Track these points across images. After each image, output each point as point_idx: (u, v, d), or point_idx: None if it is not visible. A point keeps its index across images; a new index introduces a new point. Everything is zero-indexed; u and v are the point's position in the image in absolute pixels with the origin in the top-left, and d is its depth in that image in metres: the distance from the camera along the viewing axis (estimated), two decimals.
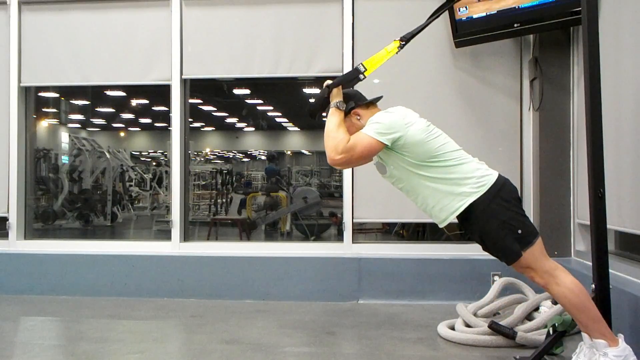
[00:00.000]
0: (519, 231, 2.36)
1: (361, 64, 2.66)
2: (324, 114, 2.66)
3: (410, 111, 2.52)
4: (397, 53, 2.75)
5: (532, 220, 4.05)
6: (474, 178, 2.41)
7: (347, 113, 2.57)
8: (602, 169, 2.44)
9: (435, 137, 2.45)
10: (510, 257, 2.39)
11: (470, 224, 2.45)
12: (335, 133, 2.45)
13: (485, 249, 2.51)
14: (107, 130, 21.53)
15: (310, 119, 2.73)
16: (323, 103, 2.60)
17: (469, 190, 2.39)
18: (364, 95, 2.64)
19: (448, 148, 2.46)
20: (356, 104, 2.58)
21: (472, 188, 2.39)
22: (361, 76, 2.64)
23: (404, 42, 2.76)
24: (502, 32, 3.75)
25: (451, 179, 2.41)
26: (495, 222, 2.37)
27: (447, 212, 2.45)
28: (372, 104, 2.63)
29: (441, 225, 2.53)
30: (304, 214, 8.00)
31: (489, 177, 2.43)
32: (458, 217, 2.46)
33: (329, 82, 2.60)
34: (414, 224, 6.52)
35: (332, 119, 2.50)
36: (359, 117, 2.56)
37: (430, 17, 3.05)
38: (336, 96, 2.55)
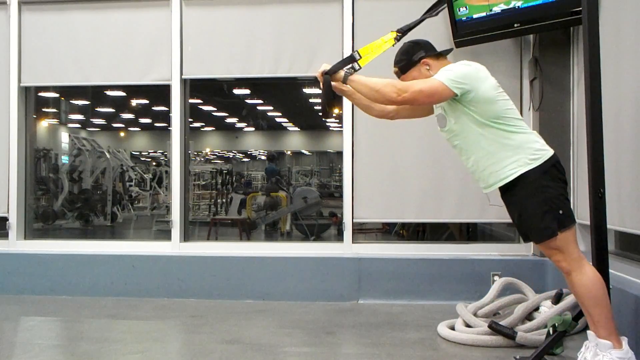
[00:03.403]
0: (560, 211, 2.35)
1: (356, 51, 2.65)
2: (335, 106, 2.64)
3: (484, 68, 2.50)
4: (393, 45, 2.73)
5: None
6: (531, 149, 2.40)
7: (416, 62, 2.56)
8: (602, 169, 2.44)
9: (504, 98, 2.45)
10: (545, 234, 2.36)
11: (514, 195, 2.43)
12: (380, 83, 2.42)
13: (518, 224, 2.49)
14: (107, 130, 21.54)
15: (326, 117, 2.72)
16: (332, 94, 2.59)
17: (523, 160, 2.38)
18: (434, 46, 2.62)
19: (513, 114, 2.45)
20: (426, 53, 2.56)
21: (526, 159, 2.38)
22: (356, 65, 2.62)
23: (400, 34, 2.75)
24: (502, 32, 3.75)
25: (509, 145, 2.40)
26: (540, 197, 2.36)
27: (497, 178, 2.43)
28: (442, 55, 2.61)
29: (486, 191, 2.52)
30: (304, 214, 8.00)
31: (545, 152, 2.42)
32: (502, 186, 2.44)
33: (325, 65, 2.59)
34: (414, 224, 6.53)
35: (360, 80, 2.48)
36: (428, 67, 2.54)
37: (428, 11, 3.04)
38: (339, 78, 2.54)
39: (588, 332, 2.37)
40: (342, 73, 2.56)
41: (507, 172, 2.40)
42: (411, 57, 2.60)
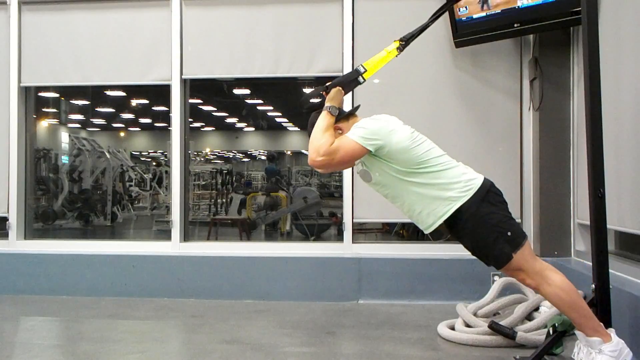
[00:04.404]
0: (509, 233, 2.36)
1: (361, 65, 2.66)
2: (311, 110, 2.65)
3: (395, 118, 2.51)
4: (397, 56, 2.75)
5: (531, 221, 4.07)
6: (461, 182, 2.41)
7: None
8: (602, 169, 2.44)
9: (419, 143, 2.44)
10: (501, 259, 2.38)
11: (459, 229, 2.44)
12: (320, 135, 2.43)
13: (474, 253, 2.51)
14: (107, 130, 21.54)
15: (300, 109, 2.73)
16: (315, 98, 2.60)
17: (456, 194, 2.39)
18: (342, 109, 2.61)
19: (433, 154, 2.45)
20: (336, 120, 2.55)
21: (459, 192, 2.39)
22: (360, 78, 2.63)
23: (403, 43, 2.76)
24: (502, 32, 3.75)
25: (438, 184, 2.41)
26: (484, 225, 2.38)
27: (435, 217, 2.44)
28: (351, 114, 2.62)
29: (427, 232, 2.52)
30: (304, 214, 8.00)
31: (475, 180, 2.43)
32: (445, 222, 2.44)
33: (328, 83, 2.61)
34: (414, 224, 6.52)
35: (322, 121, 2.48)
36: (340, 132, 2.53)
37: (430, 19, 3.05)
38: (333, 99, 2.55)
39: (576, 332, 2.39)
40: (331, 103, 2.52)
41: (443, 210, 2.40)
42: None
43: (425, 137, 2.50)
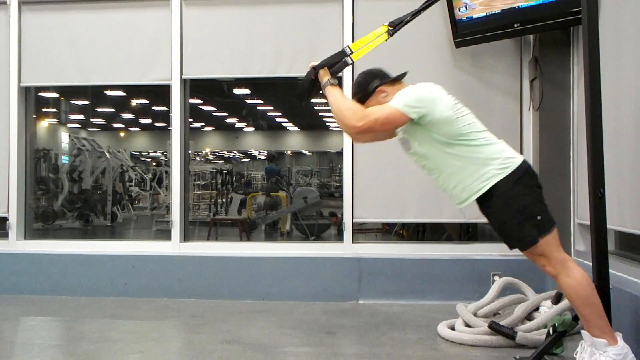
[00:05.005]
0: (539, 217, 2.35)
1: (348, 46, 2.64)
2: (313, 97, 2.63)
3: (439, 87, 2.49)
4: (386, 40, 2.71)
5: None
6: (500, 159, 2.39)
7: (372, 92, 2.56)
8: (602, 169, 2.44)
9: (462, 115, 2.44)
10: (527, 242, 2.36)
11: (490, 207, 2.42)
12: (344, 104, 2.43)
13: (499, 233, 2.48)
14: (107, 130, 21.57)
15: (299, 103, 2.72)
16: (310, 86, 2.58)
17: (493, 171, 2.37)
18: (388, 73, 2.61)
19: (475, 128, 2.44)
20: (381, 81, 2.55)
21: (496, 169, 2.37)
22: (348, 59, 2.60)
23: (392, 28, 2.73)
24: (502, 32, 3.75)
25: (477, 159, 2.40)
26: (516, 205, 2.36)
27: (470, 192, 2.42)
28: (397, 80, 2.61)
29: (461, 206, 2.51)
30: (304, 214, 8.00)
31: (514, 159, 2.41)
32: (478, 199, 2.43)
33: (313, 63, 2.58)
34: (414, 224, 6.53)
35: (333, 95, 2.48)
36: (385, 95, 2.53)
37: (422, 6, 3.02)
38: (325, 76, 2.54)
39: (582, 331, 2.37)
40: (326, 78, 2.53)
41: (479, 185, 2.39)
42: (366, 87, 2.59)
43: (468, 110, 2.49)
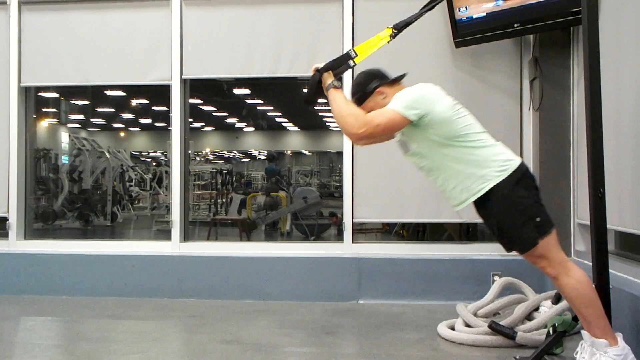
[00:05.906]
0: (538, 219, 2.35)
1: (352, 49, 2.65)
2: (318, 99, 2.64)
3: (438, 88, 2.50)
4: (389, 42, 2.72)
5: None
6: (498, 161, 2.40)
7: (370, 92, 2.56)
8: (602, 169, 2.44)
9: (461, 116, 2.44)
10: (526, 244, 2.36)
11: (489, 209, 2.43)
12: (347, 110, 2.44)
13: (498, 236, 2.48)
14: (107, 130, 21.56)
15: (307, 107, 2.73)
16: (317, 89, 2.58)
17: (492, 173, 2.38)
18: (387, 74, 2.62)
19: (473, 129, 2.45)
20: (380, 82, 2.56)
21: (494, 171, 2.38)
22: (351, 62, 2.61)
23: (396, 31, 2.74)
24: (502, 32, 3.75)
25: (475, 160, 2.40)
26: (515, 208, 2.36)
27: (469, 193, 2.42)
28: (396, 81, 2.61)
29: (457, 208, 2.51)
30: (304, 214, 8.00)
31: (512, 162, 2.42)
32: (475, 202, 2.44)
33: (318, 65, 2.58)
34: (414, 224, 6.53)
35: (336, 98, 2.48)
36: (384, 96, 2.53)
37: (424, 7, 3.02)
38: (329, 78, 2.54)
39: (582, 332, 2.37)
40: (329, 80, 2.53)
41: (477, 187, 2.40)
42: (365, 88, 2.59)
43: (467, 111, 2.50)
